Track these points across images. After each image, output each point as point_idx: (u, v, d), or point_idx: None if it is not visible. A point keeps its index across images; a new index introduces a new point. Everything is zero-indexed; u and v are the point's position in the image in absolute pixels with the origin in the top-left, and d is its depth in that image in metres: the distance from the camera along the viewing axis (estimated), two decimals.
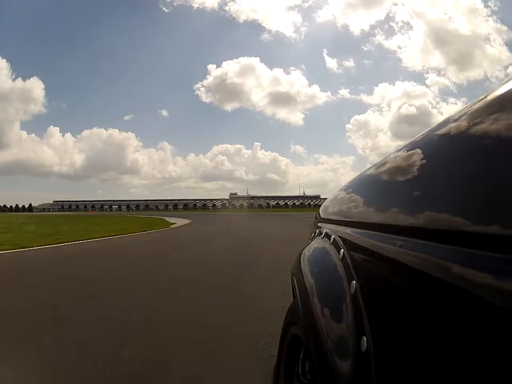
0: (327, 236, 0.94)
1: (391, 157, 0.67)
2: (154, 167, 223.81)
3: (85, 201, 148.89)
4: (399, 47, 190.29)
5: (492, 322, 0.27)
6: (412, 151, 0.58)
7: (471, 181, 0.36)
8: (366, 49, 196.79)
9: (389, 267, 0.48)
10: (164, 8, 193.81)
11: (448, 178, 0.40)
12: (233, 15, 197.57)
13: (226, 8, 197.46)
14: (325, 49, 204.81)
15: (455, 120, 0.45)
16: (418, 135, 0.57)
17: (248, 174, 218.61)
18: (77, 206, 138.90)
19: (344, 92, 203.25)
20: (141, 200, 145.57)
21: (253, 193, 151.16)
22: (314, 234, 1.23)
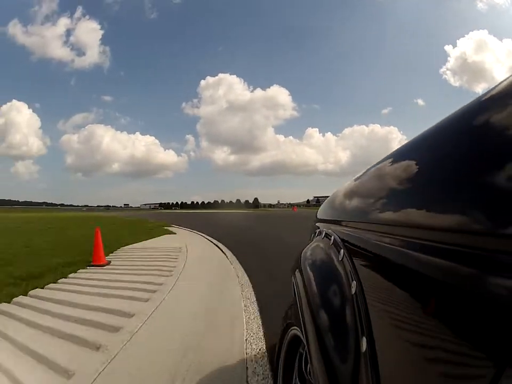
0: (327, 236, 0.94)
1: (391, 156, 0.67)
2: None
3: None
4: None
5: (491, 322, 0.27)
6: (412, 151, 0.58)
7: (471, 181, 0.36)
8: None
9: (389, 267, 0.48)
10: None
11: (448, 179, 0.40)
12: None
13: None
14: None
15: (455, 120, 0.45)
16: (419, 135, 0.57)
17: None
18: None
19: None
20: None
21: None
22: (315, 235, 1.23)
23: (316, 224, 1.38)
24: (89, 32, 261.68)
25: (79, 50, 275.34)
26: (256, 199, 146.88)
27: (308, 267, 0.93)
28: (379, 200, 0.63)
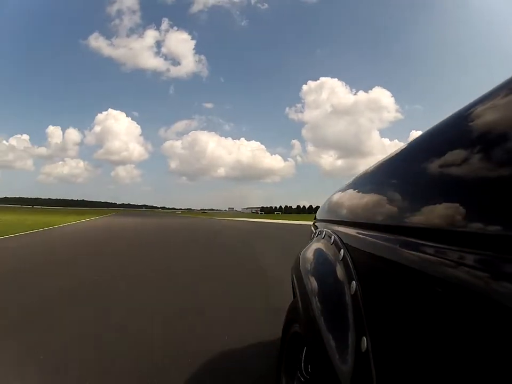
0: (327, 236, 0.94)
1: (391, 157, 0.67)
2: None
3: None
4: None
5: (491, 322, 0.28)
6: (411, 152, 0.58)
7: (470, 182, 0.36)
8: None
9: (389, 267, 0.48)
10: None
11: (447, 179, 0.41)
12: None
13: None
14: None
15: (455, 120, 0.46)
16: (418, 136, 0.57)
17: None
18: None
19: None
20: None
21: None
22: (315, 235, 1.23)
23: (316, 224, 1.38)
24: (181, 42, 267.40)
25: (174, 60, 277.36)
26: None
27: (307, 267, 0.93)
28: (378, 201, 0.63)
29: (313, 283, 0.81)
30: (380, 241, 0.52)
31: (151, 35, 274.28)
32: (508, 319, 0.26)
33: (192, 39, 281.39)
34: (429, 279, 0.37)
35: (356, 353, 0.49)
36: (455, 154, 0.41)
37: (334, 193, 1.20)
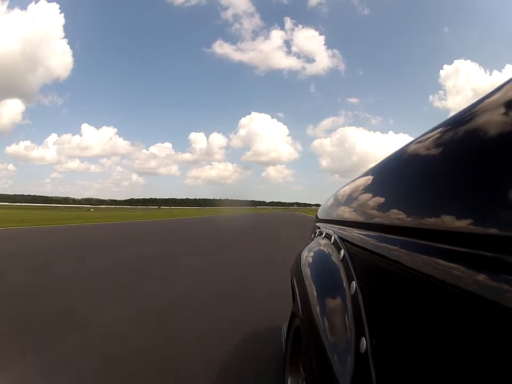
0: (327, 236, 0.94)
1: (391, 157, 0.67)
2: None
3: None
4: None
5: (491, 322, 0.27)
6: (411, 152, 0.58)
7: (471, 182, 0.35)
8: None
9: (389, 268, 0.48)
10: None
11: (448, 179, 0.40)
12: None
13: None
14: None
15: (456, 121, 0.45)
16: (418, 136, 0.57)
17: None
18: None
19: None
20: None
21: None
22: (315, 235, 1.23)
23: (316, 224, 1.38)
24: (309, 39, 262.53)
25: (307, 58, 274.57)
26: None
27: (307, 267, 0.93)
28: (379, 201, 0.63)
29: (312, 284, 0.81)
30: (380, 241, 0.52)
31: (277, 35, 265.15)
32: (508, 319, 0.25)
33: (320, 34, 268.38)
34: (429, 279, 0.37)
35: (355, 354, 0.49)
36: (456, 154, 0.41)
37: (335, 193, 1.20)
